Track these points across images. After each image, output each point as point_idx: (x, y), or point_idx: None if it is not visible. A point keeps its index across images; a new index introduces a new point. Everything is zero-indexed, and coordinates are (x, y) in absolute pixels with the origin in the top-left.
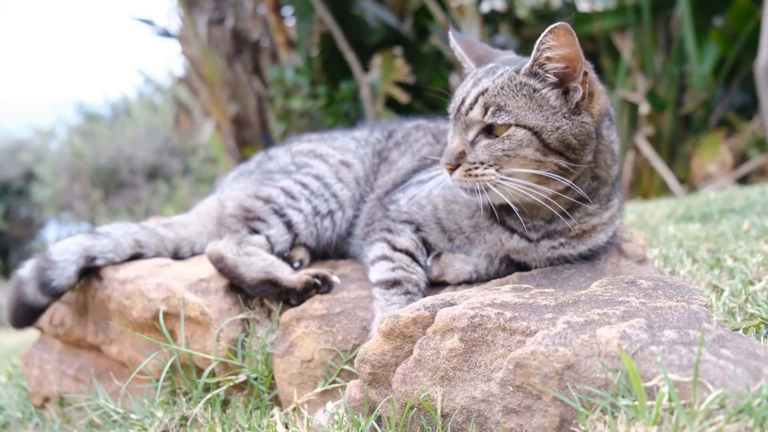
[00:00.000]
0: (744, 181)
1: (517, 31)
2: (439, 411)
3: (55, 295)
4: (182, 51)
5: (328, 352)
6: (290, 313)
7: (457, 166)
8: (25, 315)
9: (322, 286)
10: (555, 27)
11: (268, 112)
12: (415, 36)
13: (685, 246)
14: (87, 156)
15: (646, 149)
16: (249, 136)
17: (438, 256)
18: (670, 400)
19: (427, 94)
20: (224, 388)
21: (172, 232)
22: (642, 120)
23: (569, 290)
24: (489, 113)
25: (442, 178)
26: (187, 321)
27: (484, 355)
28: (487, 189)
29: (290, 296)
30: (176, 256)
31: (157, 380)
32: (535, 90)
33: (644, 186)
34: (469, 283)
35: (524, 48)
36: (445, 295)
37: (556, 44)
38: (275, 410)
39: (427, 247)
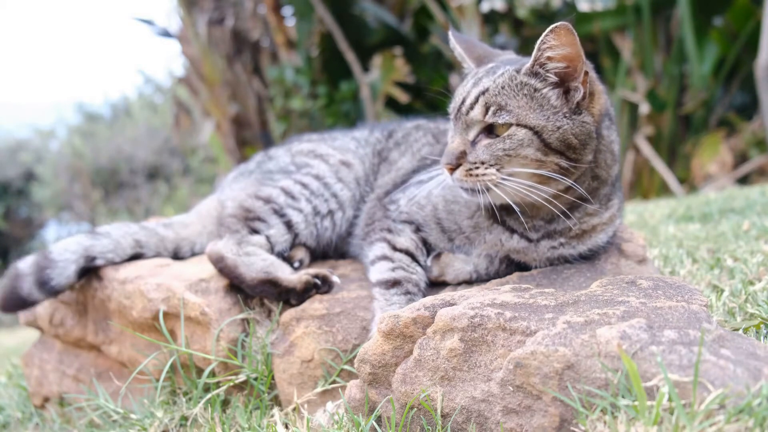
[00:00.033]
0: (744, 181)
1: (517, 31)
2: (439, 411)
3: (53, 293)
4: (182, 51)
5: (328, 352)
6: (290, 313)
7: (458, 165)
8: (15, 305)
9: (322, 286)
10: (556, 26)
11: (268, 112)
12: (415, 36)
13: (685, 246)
14: (87, 156)
15: (646, 149)
16: (249, 136)
17: (438, 256)
18: (670, 400)
19: (427, 94)
20: (224, 388)
21: (172, 232)
22: (642, 120)
23: (569, 290)
24: (490, 113)
25: (443, 178)
26: (187, 321)
27: (484, 355)
28: (488, 189)
29: (290, 296)
30: (176, 256)
31: (157, 380)
32: (535, 89)
33: (644, 186)
34: (469, 283)
35: (524, 48)
36: (445, 295)
37: (557, 44)
38: (275, 410)
39: (427, 247)
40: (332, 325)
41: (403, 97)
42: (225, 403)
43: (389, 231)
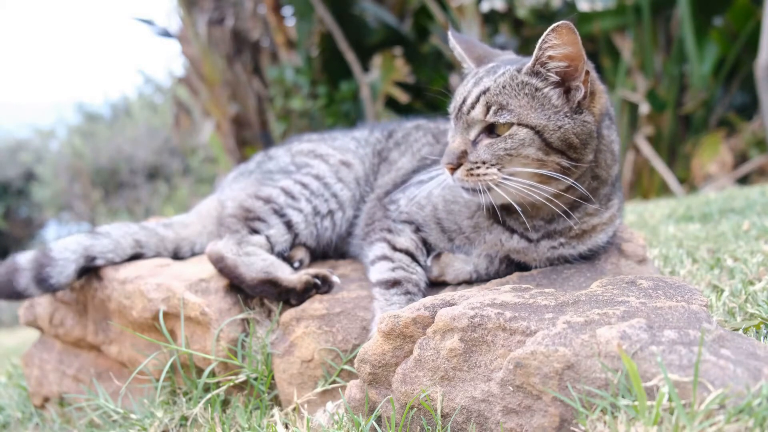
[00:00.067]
0: (744, 181)
1: (517, 31)
2: (439, 411)
3: (51, 291)
4: (182, 51)
5: (328, 352)
6: (290, 313)
7: (459, 165)
8: (6, 296)
9: (322, 286)
10: (558, 25)
11: (268, 112)
12: (415, 36)
13: (685, 246)
14: (87, 156)
15: (646, 149)
16: (249, 136)
17: (438, 256)
18: (670, 400)
19: (427, 94)
20: (224, 388)
21: (172, 232)
22: (642, 120)
23: (569, 290)
24: (491, 112)
25: (443, 178)
26: (187, 321)
27: (484, 355)
28: (489, 189)
29: (290, 296)
30: (176, 256)
31: (157, 380)
32: (536, 89)
33: (644, 186)
34: (469, 283)
35: (524, 48)
36: (445, 295)
37: (559, 43)
38: (275, 410)
39: (427, 247)
40: (332, 325)
41: (403, 97)
42: (225, 403)
43: (389, 231)
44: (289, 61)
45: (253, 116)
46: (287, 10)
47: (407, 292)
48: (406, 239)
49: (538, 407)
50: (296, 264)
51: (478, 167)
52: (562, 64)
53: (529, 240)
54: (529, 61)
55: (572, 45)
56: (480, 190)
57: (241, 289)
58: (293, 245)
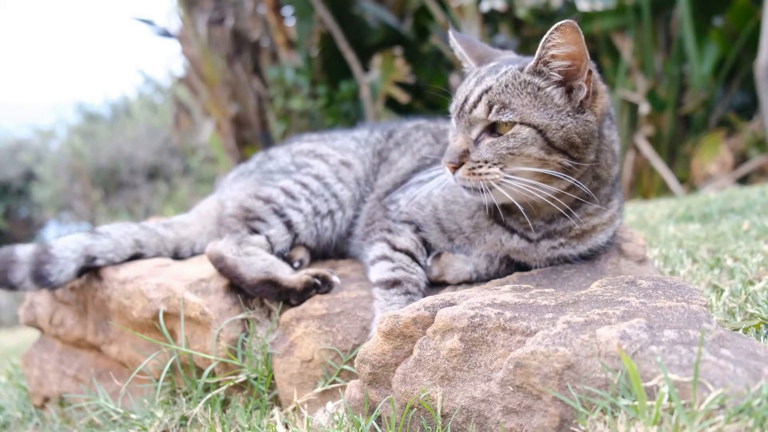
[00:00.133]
0: (744, 181)
1: (517, 31)
2: (439, 411)
3: (49, 288)
4: (182, 51)
5: (328, 352)
6: (290, 313)
7: (461, 164)
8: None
9: (322, 286)
10: (561, 24)
11: (268, 112)
12: (415, 36)
13: (685, 246)
14: (87, 156)
15: (646, 149)
16: (249, 136)
17: (438, 256)
18: (670, 400)
19: (427, 94)
20: (224, 388)
21: (172, 232)
22: (642, 120)
23: (569, 290)
24: (493, 111)
25: (443, 178)
26: (187, 321)
27: (484, 355)
28: (491, 188)
29: (290, 296)
30: (176, 256)
31: (157, 380)
32: (539, 88)
33: (644, 186)
34: (469, 283)
35: (524, 48)
36: (445, 295)
37: (562, 42)
38: (275, 410)
39: (427, 247)
40: (332, 325)
41: (403, 97)
42: (225, 403)
43: (389, 231)
44: (289, 61)
45: (253, 116)
46: (287, 10)
47: (407, 292)
48: (406, 239)
49: (538, 407)
50: (296, 264)
51: (480, 166)
52: (565, 63)
53: (529, 240)
54: (531, 60)
55: (575, 44)
56: (482, 190)
57: (241, 289)
58: (293, 245)
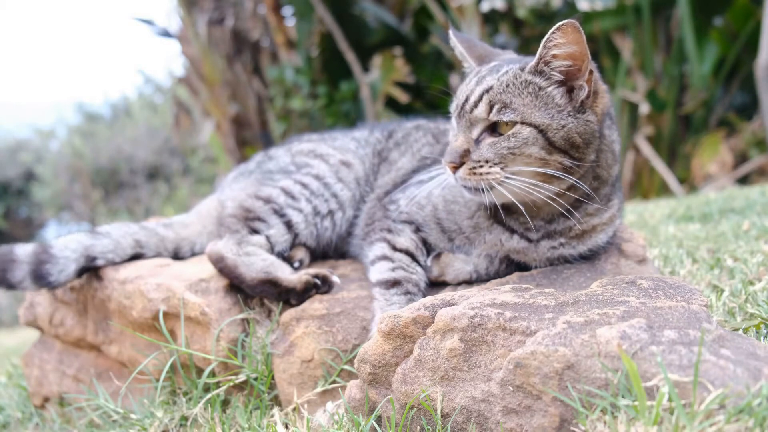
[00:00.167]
0: (744, 181)
1: (517, 31)
2: (439, 411)
3: (49, 288)
4: (182, 51)
5: (328, 352)
6: (290, 313)
7: (461, 164)
8: None
9: (322, 286)
10: (563, 24)
11: (268, 112)
12: (415, 36)
13: (685, 246)
14: (87, 156)
15: (646, 149)
16: (249, 136)
17: (438, 256)
18: (670, 400)
19: (427, 94)
20: (224, 388)
21: (172, 232)
22: (642, 120)
23: (569, 290)
24: (494, 111)
25: (443, 178)
26: (187, 321)
27: (484, 355)
28: (492, 187)
29: (290, 296)
30: (176, 256)
31: (157, 380)
32: (540, 88)
33: (644, 186)
34: (469, 283)
35: (524, 48)
36: (445, 295)
37: (564, 41)
38: (275, 410)
39: (427, 247)
40: (332, 325)
41: (403, 97)
42: (225, 403)
43: (389, 231)
44: (289, 61)
45: (253, 116)
46: (287, 10)
47: (407, 292)
48: (406, 239)
49: (538, 407)
50: (296, 264)
51: (481, 166)
52: (567, 63)
53: (529, 240)
54: (532, 60)
55: (577, 44)
56: (482, 189)
57: (241, 289)
58: (293, 245)
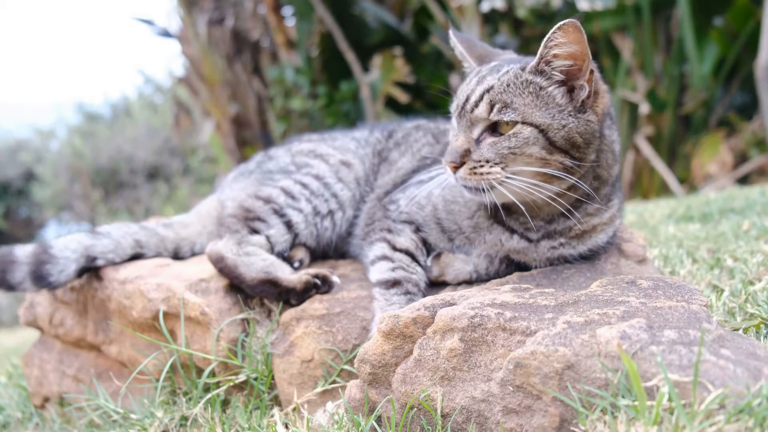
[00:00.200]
0: (744, 181)
1: (517, 31)
2: (439, 411)
3: (49, 288)
4: (182, 51)
5: (328, 352)
6: (290, 313)
7: (462, 164)
8: None
9: (322, 286)
10: (564, 24)
11: (268, 112)
12: (415, 36)
13: (685, 246)
14: (87, 156)
15: (646, 149)
16: (249, 136)
17: (438, 256)
18: (670, 400)
19: (427, 94)
20: (224, 388)
21: (172, 232)
22: (642, 120)
23: (569, 290)
24: (495, 110)
25: (444, 178)
26: (187, 321)
27: (484, 355)
28: (492, 187)
29: (290, 296)
30: (176, 256)
31: (157, 380)
32: (541, 87)
33: (644, 186)
34: (469, 283)
35: (524, 48)
36: (445, 295)
37: (565, 41)
38: (275, 410)
39: (427, 247)
40: (332, 325)
41: (403, 97)
42: (225, 403)
43: (389, 231)
44: (289, 61)
45: (253, 116)
46: (287, 10)
47: (407, 292)
48: (406, 239)
49: (538, 407)
50: (296, 264)
51: (482, 166)
52: (567, 62)
53: (529, 240)
54: (533, 60)
55: (578, 44)
56: (483, 189)
57: (241, 289)
58: (293, 245)
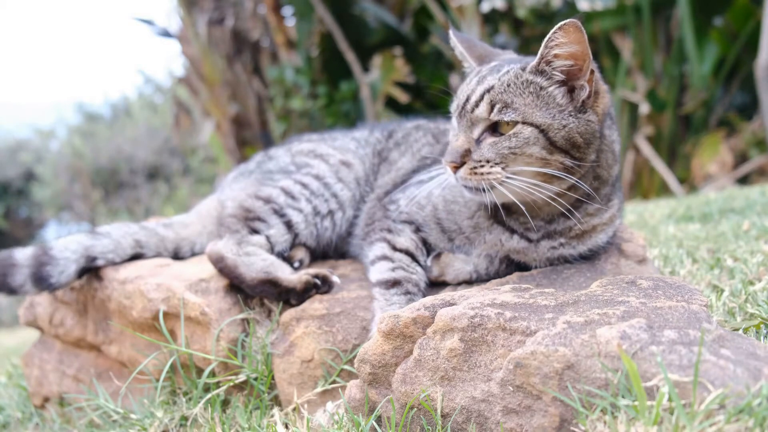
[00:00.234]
0: (744, 181)
1: (517, 31)
2: (439, 411)
3: (50, 290)
4: (182, 51)
5: (328, 352)
6: (290, 313)
7: (462, 164)
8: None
9: (322, 286)
10: (565, 24)
11: (268, 112)
12: (415, 36)
13: (685, 246)
14: (87, 156)
15: (646, 149)
16: (249, 136)
17: (438, 256)
18: (670, 400)
19: (427, 94)
20: (224, 388)
21: (172, 232)
22: (642, 120)
23: (569, 290)
24: (495, 110)
25: (444, 178)
26: (187, 321)
27: (484, 355)
28: (493, 187)
29: (290, 296)
30: (176, 256)
31: (157, 380)
32: (541, 87)
33: (644, 186)
34: (469, 283)
35: (524, 48)
36: (445, 295)
37: (565, 41)
38: (275, 410)
39: (427, 247)
40: (332, 325)
41: (403, 97)
42: (225, 403)
43: (389, 231)
44: (289, 61)
45: (253, 116)
46: (287, 10)
47: (407, 292)
48: (406, 239)
49: (538, 407)
50: (296, 264)
51: (482, 166)
52: (568, 62)
53: (529, 240)
54: (533, 60)
55: (579, 44)
56: (483, 189)
57: (241, 289)
58: (293, 245)
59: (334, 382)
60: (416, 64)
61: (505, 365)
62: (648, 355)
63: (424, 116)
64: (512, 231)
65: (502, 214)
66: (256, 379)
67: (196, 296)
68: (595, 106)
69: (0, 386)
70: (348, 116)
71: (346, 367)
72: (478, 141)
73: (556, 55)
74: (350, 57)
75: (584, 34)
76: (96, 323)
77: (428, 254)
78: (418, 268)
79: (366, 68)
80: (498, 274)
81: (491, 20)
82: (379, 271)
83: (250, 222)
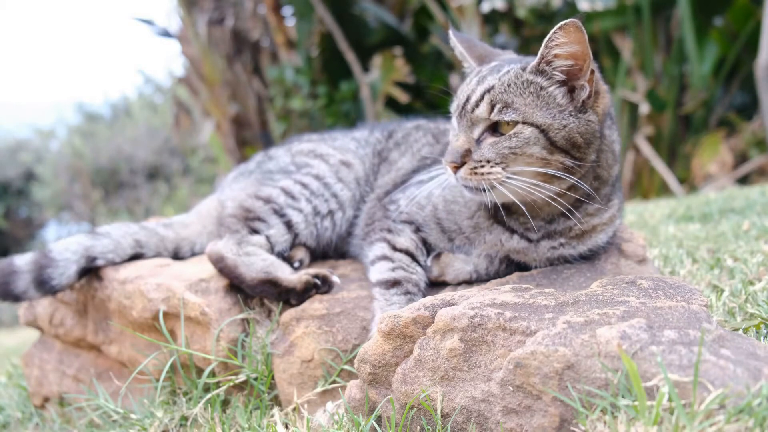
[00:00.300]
0: (744, 181)
1: (517, 31)
2: (439, 411)
3: (52, 293)
4: (182, 51)
5: (328, 352)
6: (290, 313)
7: (462, 164)
8: (2, 298)
9: (322, 286)
10: (565, 23)
11: (268, 112)
12: (415, 36)
13: (685, 246)
14: (87, 156)
15: (646, 149)
16: (249, 136)
17: (438, 256)
18: (670, 400)
19: (427, 94)
20: (224, 388)
21: (172, 232)
22: (642, 120)
23: (569, 290)
24: (495, 110)
25: (443, 178)
26: (187, 321)
27: (484, 355)
28: (493, 187)
29: (290, 296)
30: (176, 256)
31: (157, 380)
32: (542, 87)
33: (644, 186)
34: (469, 283)
35: (524, 48)
36: (445, 295)
37: (566, 41)
38: (275, 410)
39: (427, 247)
40: (332, 325)
41: (403, 97)
42: (225, 403)
43: (389, 231)
44: (289, 61)
45: (253, 116)
46: (287, 10)
47: (407, 292)
48: (406, 239)
49: (538, 407)
50: (296, 264)
51: (482, 166)
52: (568, 62)
53: (529, 240)
54: (534, 60)
55: (579, 43)
56: (483, 189)
57: (241, 289)
58: (293, 245)
59: (334, 382)
60: (416, 64)
61: (505, 365)
62: (648, 355)
63: (424, 116)
64: (512, 231)
65: (502, 214)
66: (256, 379)
67: (196, 296)
68: (595, 106)
69: (0, 386)
70: (348, 116)
71: (346, 367)
72: (479, 141)
73: (556, 55)
74: (350, 57)
75: (584, 34)
76: (96, 323)
77: (428, 254)
78: (418, 268)
79: (366, 68)
80: (498, 274)
81: (491, 20)
82: (379, 271)
83: (250, 222)
